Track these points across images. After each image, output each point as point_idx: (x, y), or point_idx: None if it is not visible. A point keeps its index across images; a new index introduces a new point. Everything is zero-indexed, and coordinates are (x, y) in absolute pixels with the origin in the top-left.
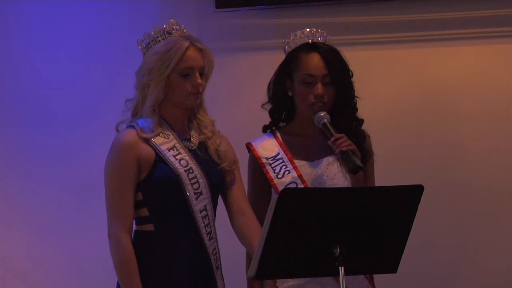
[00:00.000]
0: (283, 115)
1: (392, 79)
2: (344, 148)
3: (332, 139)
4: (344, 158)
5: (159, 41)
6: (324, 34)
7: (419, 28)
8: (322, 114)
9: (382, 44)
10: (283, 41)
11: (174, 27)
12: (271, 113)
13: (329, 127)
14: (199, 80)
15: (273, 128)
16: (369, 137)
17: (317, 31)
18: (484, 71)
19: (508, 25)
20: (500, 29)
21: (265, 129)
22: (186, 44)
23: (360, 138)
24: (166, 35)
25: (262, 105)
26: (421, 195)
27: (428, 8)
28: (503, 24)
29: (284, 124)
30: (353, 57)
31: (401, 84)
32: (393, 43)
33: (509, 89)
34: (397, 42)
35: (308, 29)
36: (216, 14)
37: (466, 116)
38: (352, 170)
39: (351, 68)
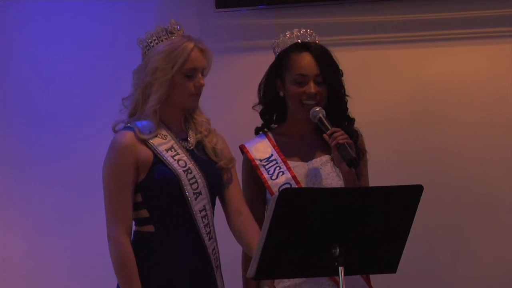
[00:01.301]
0: (274, 116)
1: (391, 79)
2: (341, 141)
3: (329, 132)
4: (341, 151)
5: (162, 40)
6: (314, 35)
7: (418, 28)
8: (318, 109)
9: (381, 44)
10: (272, 42)
11: (175, 27)
12: (263, 114)
13: (325, 121)
14: (202, 81)
15: (266, 129)
16: (361, 135)
17: (306, 31)
18: (484, 71)
19: (508, 25)
20: (500, 29)
21: (257, 130)
22: (191, 45)
23: (353, 137)
24: (169, 35)
25: (253, 107)
26: (421, 195)
27: (428, 8)
28: (503, 24)
29: (276, 125)
30: (352, 57)
31: (400, 85)
32: (392, 43)
33: (509, 90)
34: (396, 42)
35: (297, 30)
36: (216, 14)
37: (466, 116)
38: (349, 162)
39: (351, 68)
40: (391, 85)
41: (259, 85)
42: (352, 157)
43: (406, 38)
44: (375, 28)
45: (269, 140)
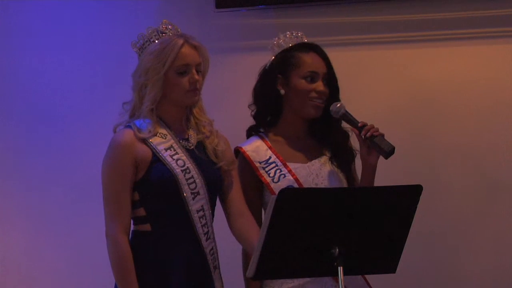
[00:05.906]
0: (268, 118)
1: (390, 79)
2: (376, 133)
3: (360, 124)
4: (380, 142)
5: (153, 41)
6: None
7: (419, 28)
8: (338, 104)
9: (381, 44)
10: (272, 42)
11: (168, 26)
12: (257, 114)
13: (351, 115)
14: (196, 76)
15: (261, 131)
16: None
17: (297, 33)
18: (484, 71)
19: (508, 25)
20: (500, 29)
21: (250, 131)
22: (181, 41)
23: (345, 138)
24: (160, 34)
25: (249, 105)
26: (420, 195)
27: (428, 8)
28: (503, 24)
29: (270, 127)
30: (352, 57)
31: (399, 85)
32: (393, 43)
33: (509, 89)
34: (396, 42)
35: (288, 33)
36: (216, 14)
37: (466, 116)
38: (389, 152)
39: (350, 68)
40: (390, 85)
41: (255, 87)
42: (392, 147)
43: (405, 38)
44: (374, 28)
45: (265, 142)
